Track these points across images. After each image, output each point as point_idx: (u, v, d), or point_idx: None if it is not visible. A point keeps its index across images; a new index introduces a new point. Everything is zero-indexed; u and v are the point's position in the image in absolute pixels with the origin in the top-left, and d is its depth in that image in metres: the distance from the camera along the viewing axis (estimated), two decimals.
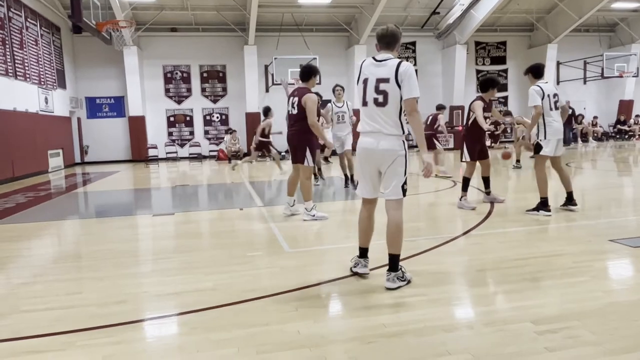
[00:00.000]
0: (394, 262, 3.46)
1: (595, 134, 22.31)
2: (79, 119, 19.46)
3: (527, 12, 21.43)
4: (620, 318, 2.82)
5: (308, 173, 6.10)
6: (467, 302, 3.31)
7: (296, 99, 5.90)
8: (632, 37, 22.65)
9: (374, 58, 3.58)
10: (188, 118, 20.65)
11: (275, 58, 18.44)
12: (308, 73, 5.93)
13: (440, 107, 11.75)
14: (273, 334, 2.77)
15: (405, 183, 3.48)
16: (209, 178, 13.22)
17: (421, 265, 4.02)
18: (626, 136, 22.80)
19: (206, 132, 20.83)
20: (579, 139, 21.71)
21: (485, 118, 6.76)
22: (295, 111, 5.92)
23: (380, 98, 3.41)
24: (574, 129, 21.06)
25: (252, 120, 19.43)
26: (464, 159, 6.74)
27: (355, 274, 3.73)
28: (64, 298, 3.53)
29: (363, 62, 3.63)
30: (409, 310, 3.04)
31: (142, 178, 14.07)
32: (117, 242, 5.40)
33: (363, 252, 3.72)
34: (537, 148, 6.04)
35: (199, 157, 20.38)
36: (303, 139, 5.95)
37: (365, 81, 3.51)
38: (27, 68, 14.55)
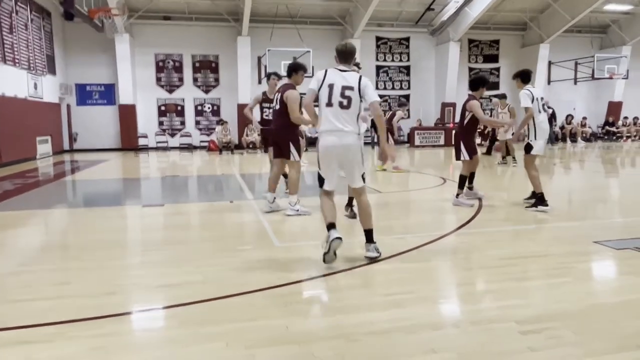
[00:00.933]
0: (371, 236, 4.13)
1: (584, 135, 22.55)
2: (68, 106, 19.24)
3: (520, 11, 21.53)
4: (602, 319, 2.89)
5: (297, 167, 6.15)
6: (453, 301, 3.37)
7: (279, 94, 6.06)
8: (624, 39, 22.86)
9: (336, 68, 4.16)
10: (179, 108, 20.52)
11: (268, 50, 18.34)
12: (291, 69, 6.03)
13: (401, 104, 12.02)
14: (261, 329, 2.80)
15: (364, 173, 4.19)
16: (199, 169, 13.18)
17: (410, 263, 4.07)
18: (614, 137, 23.08)
19: (197, 123, 20.72)
20: (568, 139, 21.94)
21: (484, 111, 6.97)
22: (278, 107, 6.06)
23: (345, 102, 4.01)
24: (555, 127, 21.25)
25: (243, 111, 19.38)
26: (462, 158, 6.77)
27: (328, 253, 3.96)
28: (52, 288, 3.53)
29: (326, 70, 4.17)
30: (397, 308, 3.08)
31: (131, 167, 13.99)
32: (107, 232, 5.38)
33: (334, 225, 4.07)
34: (528, 148, 6.31)
35: (190, 148, 20.28)
36: (285, 134, 6.07)
37: (331, 86, 4.04)
38: (16, 53, 14.34)
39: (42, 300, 3.28)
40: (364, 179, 4.19)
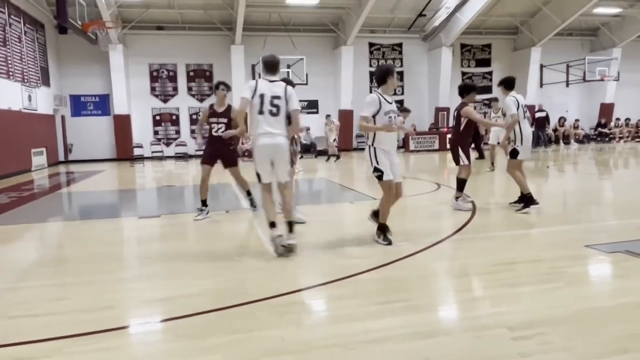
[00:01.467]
0: (292, 226, 4.75)
1: (577, 136, 22.73)
2: (63, 117, 19.26)
3: (511, 16, 21.75)
4: (592, 324, 2.94)
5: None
6: (447, 308, 3.42)
7: None
8: (614, 41, 23.11)
9: (265, 79, 4.79)
10: (174, 117, 20.57)
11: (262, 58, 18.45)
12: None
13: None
14: (258, 340, 2.84)
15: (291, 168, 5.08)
16: (194, 178, 13.18)
17: (404, 270, 4.13)
18: (607, 139, 23.27)
19: (192, 132, 20.77)
20: (561, 141, 22.10)
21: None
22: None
23: (275, 110, 4.68)
24: (548, 129, 21.42)
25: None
26: (461, 162, 6.89)
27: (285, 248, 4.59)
28: (50, 304, 3.55)
29: (257, 81, 4.77)
30: (391, 317, 3.13)
31: (127, 178, 14.01)
32: (103, 245, 5.41)
33: (274, 224, 4.74)
34: (514, 153, 6.53)
35: (185, 157, 20.31)
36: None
37: (262, 96, 4.65)
38: (10, 65, 14.37)
39: (39, 316, 3.31)
40: (290, 175, 5.05)
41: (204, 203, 6.76)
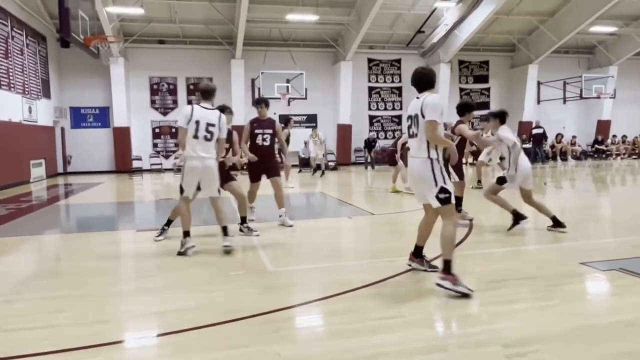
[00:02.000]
0: (226, 231, 5.47)
1: (574, 153, 22.86)
2: (62, 129, 19.33)
3: (509, 33, 22.00)
4: (586, 342, 2.96)
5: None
6: (442, 325, 3.44)
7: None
8: (610, 59, 23.37)
9: (201, 106, 5.36)
10: (174, 130, 20.64)
11: (262, 72, 18.62)
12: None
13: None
14: (254, 356, 2.85)
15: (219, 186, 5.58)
16: None
17: (400, 286, 4.14)
18: (604, 155, 23.40)
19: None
20: (558, 158, 22.21)
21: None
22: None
23: (209, 135, 5.29)
24: (545, 146, 21.52)
25: (237, 133, 19.57)
26: (452, 180, 6.81)
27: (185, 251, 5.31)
28: (46, 317, 3.56)
29: (192, 107, 5.33)
30: (387, 332, 3.14)
31: (126, 190, 14.02)
32: (100, 258, 5.42)
33: (189, 233, 5.49)
34: (502, 181, 6.44)
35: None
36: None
37: (198, 122, 5.24)
38: (11, 77, 14.47)
39: (36, 329, 3.32)
40: (219, 192, 5.57)
41: (244, 220, 6.70)
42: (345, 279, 4.36)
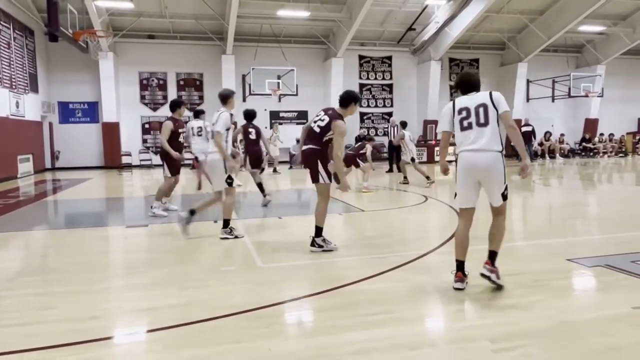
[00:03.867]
0: (227, 224, 6.03)
1: (562, 151, 23.09)
2: (50, 124, 19.12)
3: (499, 32, 22.14)
4: (572, 337, 3.02)
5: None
6: (431, 320, 3.48)
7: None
8: (598, 58, 23.63)
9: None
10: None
11: (253, 68, 18.55)
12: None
13: (369, 139, 12.82)
14: (245, 351, 2.86)
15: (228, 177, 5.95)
16: (183, 187, 13.14)
17: (389, 282, 4.18)
18: (591, 153, 23.67)
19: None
20: (547, 156, 22.43)
21: None
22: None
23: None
24: (534, 143, 21.77)
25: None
26: (320, 180, 5.67)
27: None
28: (35, 313, 3.54)
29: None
30: (377, 328, 3.17)
31: (115, 186, 13.92)
32: (90, 254, 5.39)
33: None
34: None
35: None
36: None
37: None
38: None
39: (26, 325, 3.30)
40: (229, 183, 5.97)
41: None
42: (335, 275, 4.39)
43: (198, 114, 10.32)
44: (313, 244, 5.26)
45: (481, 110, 3.86)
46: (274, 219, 7.82)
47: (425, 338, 3.11)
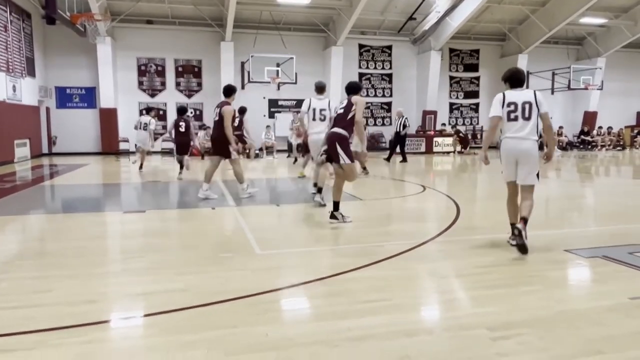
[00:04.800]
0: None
1: (561, 143, 23.09)
2: (47, 109, 19.01)
3: (500, 22, 22.03)
4: (567, 326, 3.02)
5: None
6: (428, 308, 3.48)
7: (218, 109, 7.90)
8: (598, 51, 23.55)
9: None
10: (161, 112, 20.41)
11: (252, 55, 18.44)
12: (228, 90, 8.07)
13: (241, 111, 12.56)
14: (241, 336, 2.86)
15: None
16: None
17: (387, 270, 4.18)
18: (589, 146, 23.69)
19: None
20: (545, 147, 22.40)
21: None
22: (217, 118, 7.86)
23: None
24: None
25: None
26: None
27: None
28: (31, 296, 3.53)
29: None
30: (374, 315, 3.17)
31: (112, 172, 13.88)
32: (87, 239, 5.38)
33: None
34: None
35: (171, 152, 20.12)
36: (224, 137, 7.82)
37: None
38: None
39: (22, 308, 3.29)
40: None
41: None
42: (333, 262, 4.39)
43: (148, 111, 12.84)
44: (332, 216, 5.99)
45: (527, 106, 4.63)
46: (272, 206, 7.82)
47: (423, 325, 3.12)
